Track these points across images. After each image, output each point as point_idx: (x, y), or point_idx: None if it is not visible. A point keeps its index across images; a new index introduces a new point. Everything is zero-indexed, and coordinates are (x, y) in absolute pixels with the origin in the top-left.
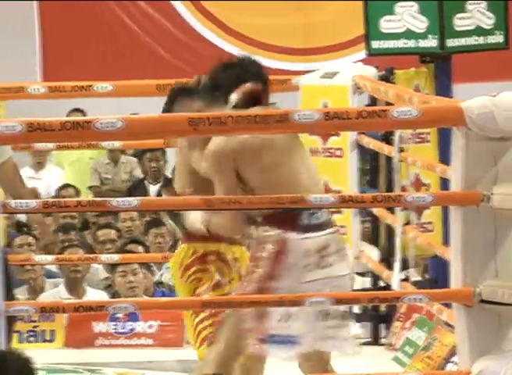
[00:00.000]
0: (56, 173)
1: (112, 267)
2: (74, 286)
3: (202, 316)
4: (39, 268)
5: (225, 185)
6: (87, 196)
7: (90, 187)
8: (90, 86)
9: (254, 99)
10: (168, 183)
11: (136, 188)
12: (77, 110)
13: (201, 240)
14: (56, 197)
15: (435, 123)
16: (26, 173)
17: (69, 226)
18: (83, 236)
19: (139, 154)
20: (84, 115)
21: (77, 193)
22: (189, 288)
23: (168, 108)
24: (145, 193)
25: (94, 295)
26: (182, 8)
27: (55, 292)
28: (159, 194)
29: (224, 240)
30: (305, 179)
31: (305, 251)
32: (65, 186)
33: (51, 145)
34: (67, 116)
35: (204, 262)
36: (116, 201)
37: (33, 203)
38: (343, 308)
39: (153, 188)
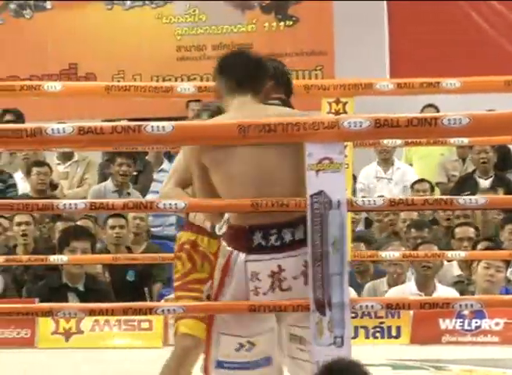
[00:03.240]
0: (405, 170)
1: (466, 264)
2: (424, 282)
3: None
4: (407, 263)
5: None
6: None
7: (437, 184)
8: (438, 83)
9: None
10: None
11: (466, 181)
12: (431, 105)
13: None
14: (412, 191)
15: None
16: (371, 172)
17: (422, 223)
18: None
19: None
20: (438, 111)
21: (431, 188)
22: None
23: None
24: (475, 187)
25: (444, 292)
26: None
27: (405, 287)
28: (491, 189)
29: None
30: None
31: (252, 274)
32: (421, 180)
33: (398, 141)
34: (421, 111)
35: (180, 250)
36: (463, 200)
37: (380, 201)
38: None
39: (484, 183)
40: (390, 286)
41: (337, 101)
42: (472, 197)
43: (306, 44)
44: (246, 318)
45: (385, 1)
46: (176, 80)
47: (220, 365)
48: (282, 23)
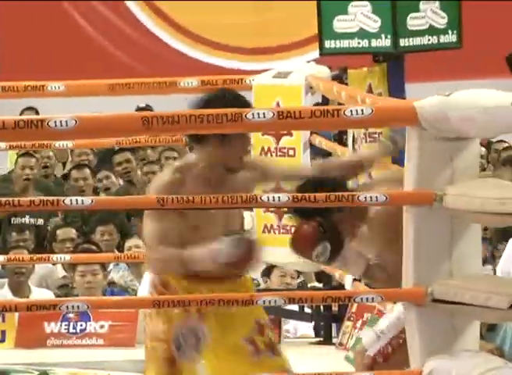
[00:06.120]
0: None
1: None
2: (18, 286)
3: None
4: None
5: None
6: None
7: None
8: (44, 86)
9: None
10: None
11: None
12: (31, 108)
13: None
14: None
15: (387, 122)
16: None
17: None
18: None
19: None
20: (38, 113)
21: None
22: None
23: None
24: None
25: (40, 294)
26: (135, 8)
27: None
28: None
29: None
30: None
31: None
32: None
33: (2, 145)
34: (21, 114)
35: None
36: None
37: None
38: None
39: None
40: None
41: None
42: None
43: None
44: None
45: None
46: None
47: None
48: None
